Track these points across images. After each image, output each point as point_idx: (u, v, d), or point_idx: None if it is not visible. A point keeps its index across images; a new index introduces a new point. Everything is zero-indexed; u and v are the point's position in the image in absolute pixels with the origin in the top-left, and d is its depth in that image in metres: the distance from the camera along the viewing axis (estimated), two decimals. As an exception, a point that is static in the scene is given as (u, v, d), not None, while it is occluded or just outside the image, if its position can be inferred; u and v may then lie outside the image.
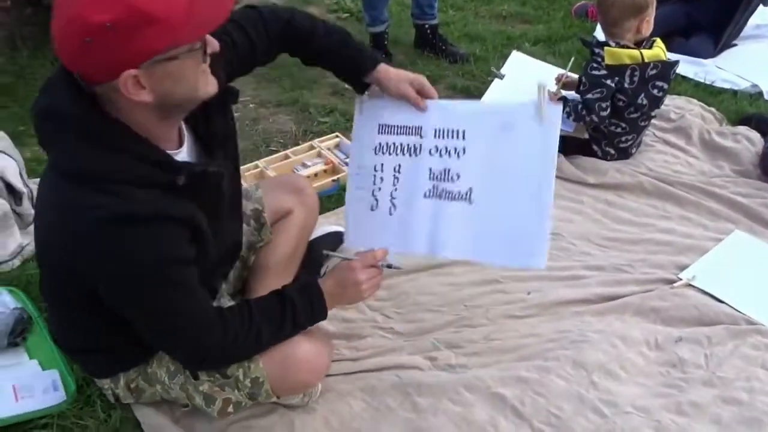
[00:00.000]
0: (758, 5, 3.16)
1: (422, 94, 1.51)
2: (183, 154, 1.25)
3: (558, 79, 2.46)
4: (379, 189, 1.57)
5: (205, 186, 1.24)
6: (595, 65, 2.28)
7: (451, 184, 1.50)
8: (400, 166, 1.55)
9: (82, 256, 1.15)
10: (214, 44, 1.14)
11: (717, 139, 2.50)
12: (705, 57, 3.08)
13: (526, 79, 2.52)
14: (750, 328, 1.73)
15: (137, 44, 1.03)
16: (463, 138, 1.49)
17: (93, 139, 1.11)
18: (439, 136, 1.51)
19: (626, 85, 2.26)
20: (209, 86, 1.17)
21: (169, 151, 1.21)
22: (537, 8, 3.67)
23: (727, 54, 3.15)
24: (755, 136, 2.48)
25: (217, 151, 1.31)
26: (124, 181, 1.11)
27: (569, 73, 2.49)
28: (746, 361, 1.64)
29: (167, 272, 1.18)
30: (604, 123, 2.33)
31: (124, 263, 1.13)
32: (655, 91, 2.30)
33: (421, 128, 1.52)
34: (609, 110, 2.29)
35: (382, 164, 1.56)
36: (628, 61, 2.24)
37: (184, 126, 1.29)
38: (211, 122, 1.30)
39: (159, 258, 1.15)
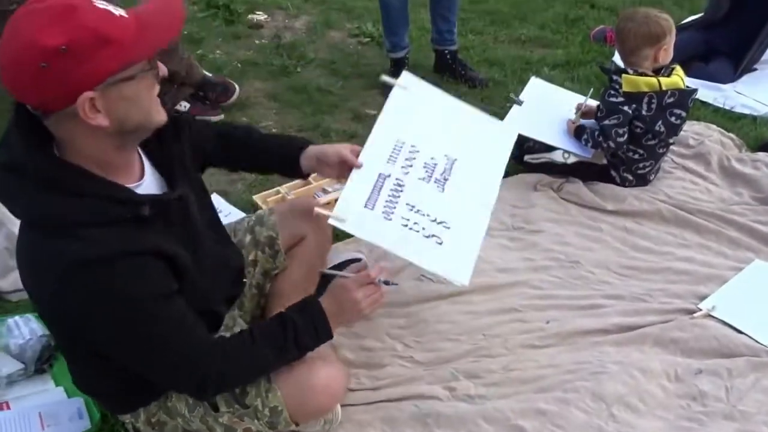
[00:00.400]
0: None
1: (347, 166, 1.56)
2: (145, 187, 1.27)
3: (578, 108, 2.48)
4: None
5: (173, 215, 1.25)
6: (612, 92, 2.30)
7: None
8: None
9: (62, 307, 1.17)
10: (163, 69, 1.18)
11: (737, 165, 2.50)
12: (724, 82, 3.08)
13: (545, 105, 2.59)
14: (771, 360, 1.72)
15: (93, 65, 1.06)
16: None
17: (52, 187, 1.13)
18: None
19: (644, 113, 2.28)
20: (161, 114, 1.21)
21: (130, 185, 1.22)
22: (556, 32, 3.70)
23: (746, 79, 3.14)
24: (775, 162, 2.47)
25: (179, 178, 1.33)
26: (88, 223, 1.13)
27: (589, 101, 2.51)
28: (767, 394, 1.63)
29: (147, 307, 1.18)
30: (621, 149, 2.34)
31: (102, 305, 1.15)
32: (672, 119, 2.31)
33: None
34: (626, 136, 2.30)
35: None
36: (645, 89, 2.25)
37: (143, 157, 1.31)
38: (166, 148, 1.33)
39: (136, 294, 1.16)
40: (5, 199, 1.20)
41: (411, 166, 1.61)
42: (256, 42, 3.69)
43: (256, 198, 2.41)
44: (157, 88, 1.19)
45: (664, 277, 2.03)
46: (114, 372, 1.37)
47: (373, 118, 2.90)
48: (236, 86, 3.01)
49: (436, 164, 1.64)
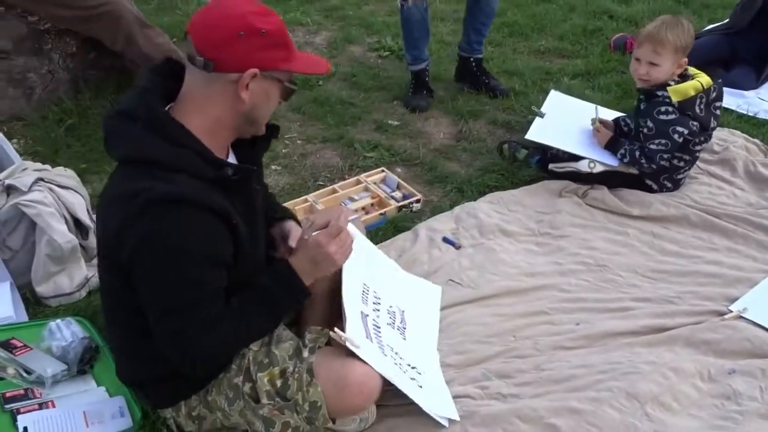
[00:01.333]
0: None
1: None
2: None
3: (593, 123, 2.53)
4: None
5: (246, 188, 1.42)
6: (663, 109, 2.30)
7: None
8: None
9: (130, 236, 1.28)
10: (290, 96, 1.43)
11: (763, 170, 2.51)
12: (746, 89, 3.10)
13: (566, 116, 2.63)
14: (805, 361, 1.72)
15: (271, 55, 1.33)
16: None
17: (158, 133, 1.31)
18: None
19: (699, 114, 2.31)
20: (264, 127, 1.45)
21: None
22: (575, 43, 3.73)
23: (769, 85, 3.16)
24: (802, 167, 2.48)
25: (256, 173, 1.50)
26: (180, 170, 1.29)
27: (601, 117, 2.55)
28: (802, 393, 1.63)
29: (195, 261, 1.31)
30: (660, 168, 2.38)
31: (159, 241, 1.28)
32: (717, 112, 2.39)
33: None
34: (667, 158, 2.34)
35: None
36: (693, 93, 2.29)
37: (231, 151, 1.48)
38: (256, 147, 1.51)
39: (193, 245, 1.29)
40: (109, 140, 1.38)
41: (378, 311, 1.72)
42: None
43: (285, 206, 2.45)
44: (276, 105, 1.43)
45: (693, 280, 2.04)
46: (162, 358, 1.41)
47: (395, 129, 3.00)
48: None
49: (395, 312, 1.78)
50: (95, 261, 2.16)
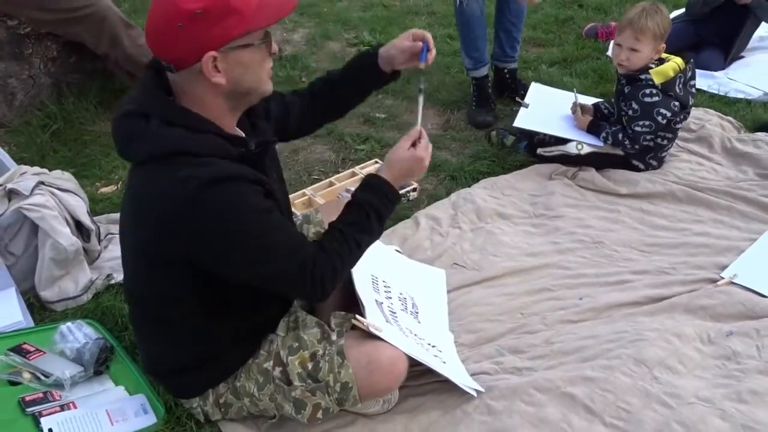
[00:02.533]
0: (765, 19, 3.32)
1: (421, 38, 1.60)
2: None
3: (573, 109, 2.62)
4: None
5: (263, 158, 1.42)
6: (647, 91, 2.39)
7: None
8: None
9: (191, 224, 1.29)
10: (275, 47, 1.36)
11: (738, 145, 2.63)
12: (716, 70, 3.23)
13: (549, 105, 2.72)
14: (796, 319, 1.82)
15: (219, 30, 1.24)
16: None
17: (176, 124, 1.31)
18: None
19: (679, 93, 2.41)
20: (269, 85, 1.40)
21: None
22: (548, 32, 3.83)
23: (736, 65, 3.30)
24: (775, 140, 2.61)
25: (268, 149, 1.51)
26: (207, 154, 1.30)
27: (581, 102, 2.65)
28: (797, 349, 1.73)
29: (263, 217, 1.34)
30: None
31: (231, 214, 1.29)
32: (693, 90, 2.50)
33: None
34: (650, 138, 2.44)
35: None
36: (673, 74, 2.39)
37: (239, 130, 1.47)
38: (257, 128, 1.50)
39: (255, 205, 1.33)
40: (128, 141, 1.35)
41: (390, 298, 1.78)
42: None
43: (283, 201, 2.47)
44: (269, 62, 1.36)
45: (684, 251, 2.14)
46: (192, 346, 1.45)
47: (383, 122, 3.04)
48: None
49: (405, 298, 1.83)
50: (98, 263, 2.18)
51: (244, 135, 1.44)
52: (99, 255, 2.19)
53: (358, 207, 1.47)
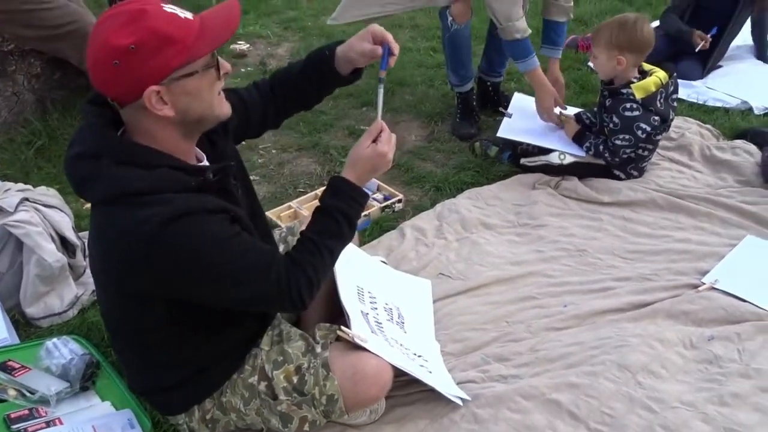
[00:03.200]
0: (739, 30, 3.39)
1: (381, 40, 1.51)
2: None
3: (558, 119, 2.67)
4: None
5: (229, 185, 1.38)
6: (627, 105, 2.42)
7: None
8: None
9: (156, 263, 1.26)
10: (226, 66, 1.31)
11: (717, 153, 2.67)
12: (694, 79, 3.30)
13: (530, 115, 2.76)
14: (775, 322, 1.86)
15: (158, 62, 1.19)
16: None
17: (128, 163, 1.26)
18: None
19: (660, 108, 2.44)
20: (224, 108, 1.34)
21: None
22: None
23: (714, 75, 3.37)
24: (752, 148, 2.66)
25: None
26: (164, 190, 1.25)
27: (564, 112, 2.70)
28: (777, 352, 1.76)
29: (231, 244, 1.30)
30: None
31: (194, 249, 1.25)
32: (674, 104, 2.53)
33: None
34: (631, 151, 2.47)
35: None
36: (654, 89, 2.42)
37: (199, 151, 1.44)
38: (216, 146, 1.46)
39: (218, 235, 1.28)
40: (82, 183, 1.30)
41: (376, 309, 1.78)
42: (242, 70, 3.79)
43: (269, 214, 2.48)
44: (219, 84, 1.31)
45: (666, 258, 2.17)
46: (174, 366, 1.45)
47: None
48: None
49: (391, 309, 1.84)
50: (84, 279, 2.17)
51: (203, 158, 1.41)
52: (84, 270, 2.18)
53: (326, 213, 1.45)
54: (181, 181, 1.28)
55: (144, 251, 1.24)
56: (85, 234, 2.32)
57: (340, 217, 1.45)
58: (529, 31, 2.65)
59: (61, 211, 2.16)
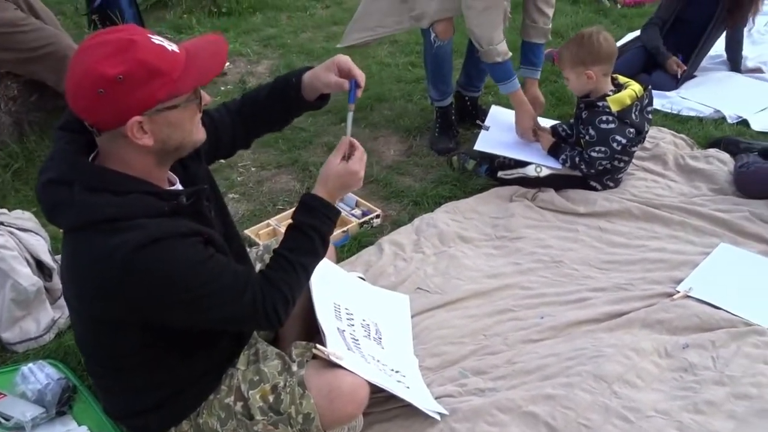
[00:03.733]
0: (715, 41, 3.46)
1: (347, 72, 1.53)
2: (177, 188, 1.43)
3: (534, 132, 2.70)
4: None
5: (203, 208, 1.38)
6: (603, 118, 2.45)
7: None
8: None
9: (130, 289, 1.25)
10: (206, 98, 1.33)
11: (691, 162, 2.71)
12: (668, 90, 3.34)
13: (507, 127, 2.79)
14: (748, 329, 1.88)
15: (144, 94, 1.20)
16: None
17: (101, 189, 1.25)
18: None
19: (635, 120, 2.47)
20: (201, 134, 1.36)
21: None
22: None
23: (688, 85, 3.42)
24: (725, 156, 2.70)
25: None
26: (137, 216, 1.25)
27: (542, 125, 2.73)
28: (750, 359, 1.78)
29: (206, 267, 1.31)
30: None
31: (165, 275, 1.25)
32: (649, 116, 2.56)
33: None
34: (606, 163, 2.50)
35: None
36: (629, 101, 2.45)
37: (172, 174, 1.44)
38: (189, 170, 1.47)
39: (193, 259, 1.29)
40: (53, 211, 1.29)
41: (353, 325, 1.79)
42: (222, 88, 3.81)
43: (248, 232, 2.49)
44: (199, 115, 1.33)
45: (641, 267, 2.19)
46: (150, 389, 1.44)
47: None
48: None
49: (368, 325, 1.85)
50: (61, 302, 2.16)
51: (176, 181, 1.42)
52: (61, 294, 2.16)
53: (299, 230, 1.47)
54: (154, 206, 1.28)
55: (118, 278, 1.24)
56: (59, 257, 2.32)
57: (313, 234, 1.46)
58: (510, 54, 2.69)
59: (37, 234, 2.15)
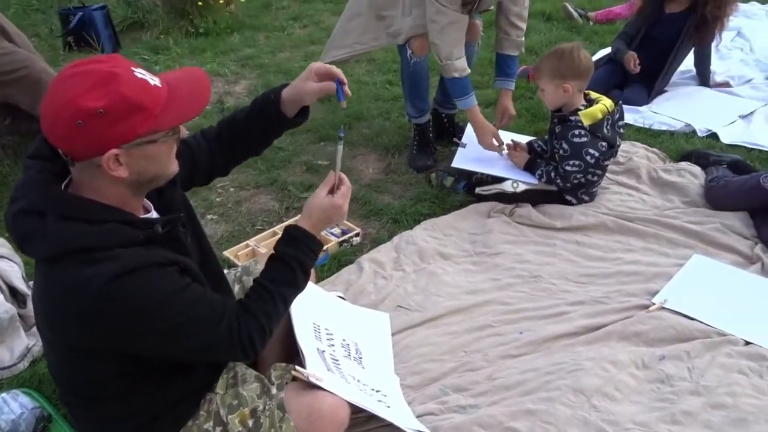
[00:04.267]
0: (685, 57, 3.54)
1: (326, 75, 1.54)
2: (152, 216, 1.41)
3: (509, 147, 2.74)
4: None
5: (179, 236, 1.37)
6: (576, 132, 2.50)
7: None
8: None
9: (105, 319, 1.24)
10: (184, 132, 1.33)
11: (664, 175, 2.76)
12: (640, 105, 3.41)
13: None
14: (722, 339, 1.91)
15: (123, 128, 1.19)
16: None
17: (74, 218, 1.23)
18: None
19: (607, 134, 2.51)
20: (174, 166, 1.35)
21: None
22: (483, 74, 3.97)
23: (659, 99, 3.50)
24: (697, 170, 2.75)
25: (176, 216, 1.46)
26: (112, 246, 1.23)
27: (515, 139, 2.78)
28: (724, 368, 1.81)
29: (181, 297, 1.29)
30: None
31: (141, 305, 1.24)
32: (621, 130, 2.61)
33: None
34: (581, 177, 2.54)
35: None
36: (601, 116, 2.50)
37: (147, 201, 1.43)
38: (164, 196, 1.46)
39: (169, 290, 1.27)
40: (26, 240, 1.26)
41: (333, 346, 1.80)
42: (200, 109, 3.80)
43: (227, 253, 2.48)
44: (176, 148, 1.32)
45: (617, 280, 2.22)
46: (127, 418, 1.42)
47: (326, 169, 3.09)
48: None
49: (348, 344, 1.86)
50: (35, 329, 2.12)
51: (151, 208, 1.41)
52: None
53: (281, 261, 1.47)
54: (130, 235, 1.27)
55: (93, 307, 1.23)
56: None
57: (295, 265, 1.46)
58: (468, 71, 2.73)
59: (10, 260, 2.12)
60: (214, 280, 1.50)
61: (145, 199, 1.41)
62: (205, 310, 1.33)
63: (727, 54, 4.00)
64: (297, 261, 1.46)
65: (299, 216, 1.53)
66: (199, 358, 1.42)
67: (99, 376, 1.38)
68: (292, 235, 1.49)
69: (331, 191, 1.50)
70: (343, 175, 1.52)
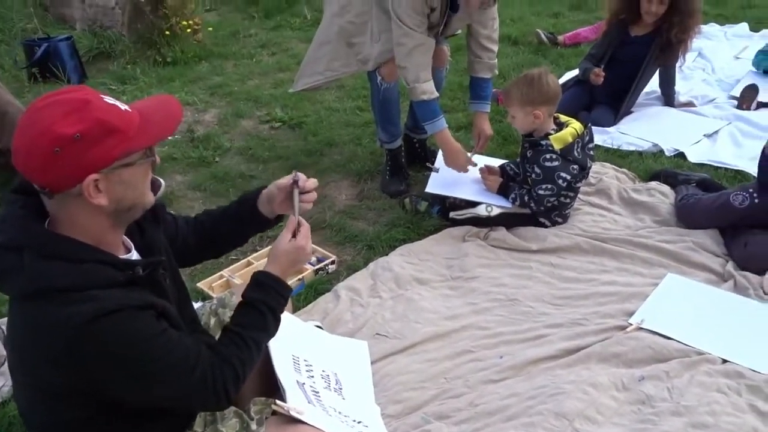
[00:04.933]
0: (650, 78, 3.62)
1: (283, 188, 1.60)
2: (132, 256, 1.40)
3: (482, 173, 2.76)
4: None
5: (158, 279, 1.37)
6: (547, 156, 2.52)
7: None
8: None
9: (79, 361, 1.21)
10: (157, 160, 1.33)
11: (634, 195, 2.80)
12: (607, 126, 3.48)
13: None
14: (700, 358, 1.93)
15: (100, 151, 1.20)
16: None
17: (53, 257, 1.22)
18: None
19: (577, 157, 2.54)
20: (150, 197, 1.35)
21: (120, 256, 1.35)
22: (453, 98, 4.01)
23: (626, 120, 3.57)
24: (666, 189, 2.81)
25: (157, 255, 1.45)
26: (89, 286, 1.21)
27: (487, 163, 2.80)
28: (703, 387, 1.82)
29: (155, 344, 1.27)
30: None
31: (116, 348, 1.22)
32: (591, 152, 2.64)
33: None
34: (555, 200, 2.56)
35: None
36: (571, 139, 2.53)
37: (127, 239, 1.42)
38: (146, 234, 1.45)
39: (143, 335, 1.25)
40: (1, 278, 1.24)
41: (312, 377, 1.78)
42: (170, 138, 3.76)
43: (201, 285, 2.43)
44: (150, 175, 1.32)
45: (594, 301, 2.23)
46: None
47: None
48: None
49: (328, 375, 1.85)
50: (5, 368, 2.04)
51: (131, 247, 1.40)
52: (5, 360, 2.06)
53: (252, 307, 1.46)
54: (109, 276, 1.25)
55: (67, 348, 1.20)
56: (5, 321, 2.21)
57: (265, 310, 1.46)
58: (436, 94, 2.75)
59: (-25, 299, 2.05)
60: (188, 320, 1.48)
61: (126, 238, 1.39)
62: (180, 357, 1.31)
63: (689, 74, 4.11)
64: (267, 306, 1.46)
65: (265, 260, 1.55)
66: (171, 405, 1.38)
67: (71, 418, 1.34)
68: (261, 280, 1.49)
69: (294, 235, 1.52)
70: (302, 219, 1.55)
